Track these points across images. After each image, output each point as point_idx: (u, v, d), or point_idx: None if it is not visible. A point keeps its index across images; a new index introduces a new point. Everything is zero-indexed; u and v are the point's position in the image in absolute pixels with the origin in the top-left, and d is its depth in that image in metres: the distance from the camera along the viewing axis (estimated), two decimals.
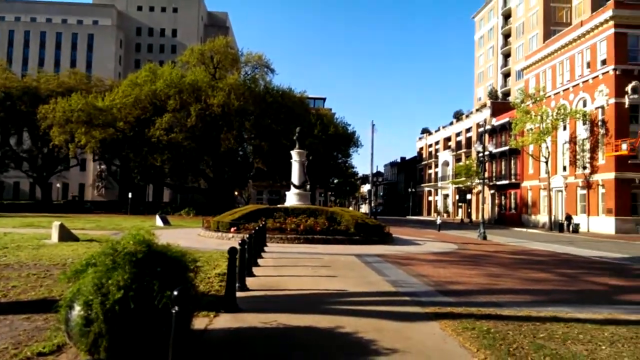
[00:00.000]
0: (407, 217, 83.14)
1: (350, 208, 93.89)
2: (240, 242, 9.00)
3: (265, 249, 16.66)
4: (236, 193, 61.21)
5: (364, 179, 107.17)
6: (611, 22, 38.76)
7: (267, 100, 48.86)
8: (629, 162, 37.33)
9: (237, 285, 8.15)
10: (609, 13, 38.95)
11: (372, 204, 51.97)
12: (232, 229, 21.38)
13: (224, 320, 6.67)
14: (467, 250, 20.53)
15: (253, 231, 13.30)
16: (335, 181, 78.22)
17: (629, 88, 37.87)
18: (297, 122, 40.53)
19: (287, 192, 27.17)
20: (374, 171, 49.72)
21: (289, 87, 53.51)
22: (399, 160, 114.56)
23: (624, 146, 36.26)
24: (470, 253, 19.20)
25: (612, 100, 38.41)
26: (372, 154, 70.84)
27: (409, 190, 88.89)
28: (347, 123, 62.68)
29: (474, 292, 9.96)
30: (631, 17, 38.59)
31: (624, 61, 38.32)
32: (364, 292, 9.51)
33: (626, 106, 38.08)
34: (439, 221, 39.15)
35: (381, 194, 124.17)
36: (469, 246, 22.62)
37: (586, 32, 41.96)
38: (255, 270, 11.31)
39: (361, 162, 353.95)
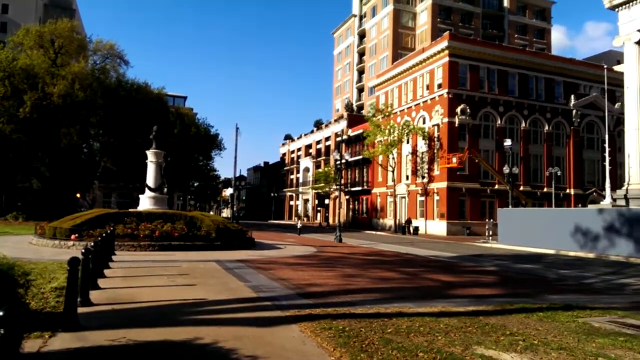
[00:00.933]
0: (270, 221, 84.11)
1: (211, 213, 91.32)
2: (83, 250, 7.99)
3: (114, 258, 15.13)
4: (78, 195, 54.59)
5: (227, 183, 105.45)
6: (446, 52, 44.90)
7: (120, 93, 44.84)
8: (458, 173, 43.55)
9: (78, 300, 7.21)
10: (444, 44, 45.06)
11: (235, 208, 51.29)
12: (73, 236, 18.95)
13: (62, 341, 5.83)
14: (325, 252, 21.55)
15: (99, 238, 11.96)
16: (196, 184, 75.30)
17: (458, 110, 44.24)
18: (153, 120, 37.96)
19: (140, 196, 25.17)
20: (237, 175, 49.21)
21: (145, 82, 50.01)
22: (262, 165, 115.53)
23: (454, 159, 42.17)
24: (327, 255, 20.19)
25: (446, 120, 44.43)
26: (235, 157, 69.73)
27: (272, 194, 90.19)
28: (210, 125, 61.03)
29: (331, 293, 10.47)
30: (462, 49, 45.24)
31: (455, 86, 44.68)
32: (225, 299, 9.27)
33: (456, 125, 44.40)
34: (299, 225, 40.42)
35: (244, 198, 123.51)
36: (327, 249, 23.78)
37: (426, 58, 47.86)
38: (101, 282, 10.17)
39: (224, 166, 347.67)
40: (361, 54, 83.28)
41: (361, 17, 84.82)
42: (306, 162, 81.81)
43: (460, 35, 53.42)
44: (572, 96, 49.23)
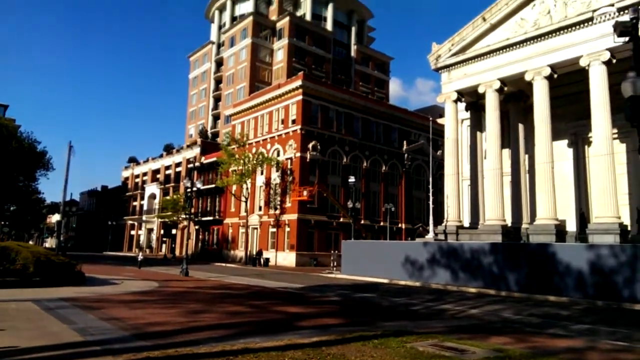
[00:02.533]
0: (106, 253, 75.61)
1: (31, 242, 78.26)
2: None
3: None
4: None
5: (54, 208, 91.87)
6: (300, 90, 47.46)
7: None
8: (308, 206, 45.53)
9: None
10: (298, 82, 47.64)
11: (62, 238, 44.78)
12: None
13: None
14: (168, 287, 20.09)
15: None
16: (12, 209, 63.97)
17: (310, 146, 46.73)
18: None
19: None
20: (68, 199, 43.30)
21: None
22: (99, 189, 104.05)
23: (305, 193, 44.08)
24: (171, 290, 18.86)
25: (298, 154, 46.46)
26: (66, 179, 61.47)
27: (110, 223, 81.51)
28: (36, 140, 52.92)
29: (174, 332, 9.72)
30: (314, 90, 48.34)
31: (308, 123, 47.26)
32: (42, 346, 7.87)
33: (308, 160, 46.72)
34: (140, 257, 37.13)
35: (74, 226, 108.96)
36: (171, 283, 22.24)
37: (282, 94, 49.86)
38: None
39: (52, 188, 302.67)
40: (218, 81, 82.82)
41: (219, 45, 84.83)
42: (153, 188, 76.57)
43: (313, 77, 57.15)
44: (405, 142, 56.22)
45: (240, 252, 51.28)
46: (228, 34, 79.19)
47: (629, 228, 25.23)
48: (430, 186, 35.91)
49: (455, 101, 34.06)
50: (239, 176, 47.02)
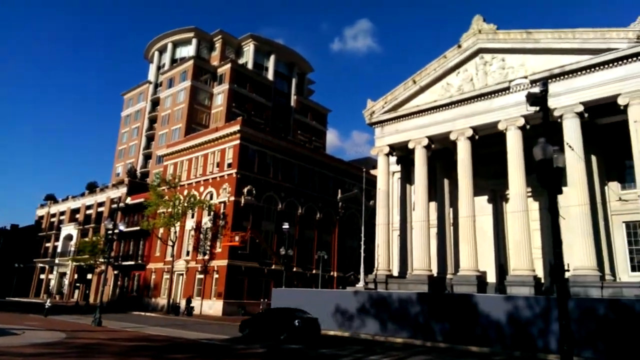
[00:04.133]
0: (9, 298, 67.62)
1: None
2: None
3: None
4: None
5: None
6: (238, 135, 47.37)
7: None
8: (239, 252, 44.23)
9: None
10: (237, 127, 47.63)
11: None
12: None
13: None
14: (77, 339, 18.20)
15: None
16: None
17: (245, 190, 46.16)
18: None
19: None
20: None
21: None
22: (8, 227, 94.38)
23: (237, 238, 42.93)
24: (80, 342, 17.08)
25: (232, 198, 45.61)
26: None
27: (16, 265, 73.71)
28: None
29: None
30: (252, 135, 48.48)
31: (244, 168, 46.89)
32: None
33: (242, 205, 45.92)
34: (48, 304, 33.59)
35: None
36: (81, 334, 20.18)
37: (219, 137, 49.43)
38: None
39: None
40: (152, 120, 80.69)
41: (157, 85, 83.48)
42: (70, 229, 70.89)
43: (252, 122, 57.60)
44: (340, 190, 57.36)
45: (162, 300, 48.11)
46: (167, 75, 78.34)
47: (542, 280, 27.01)
48: (363, 235, 36.52)
49: (387, 155, 35.64)
50: (168, 219, 45.02)
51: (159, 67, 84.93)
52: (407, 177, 36.93)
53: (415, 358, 16.36)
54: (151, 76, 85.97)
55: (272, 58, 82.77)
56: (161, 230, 48.23)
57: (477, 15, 31.69)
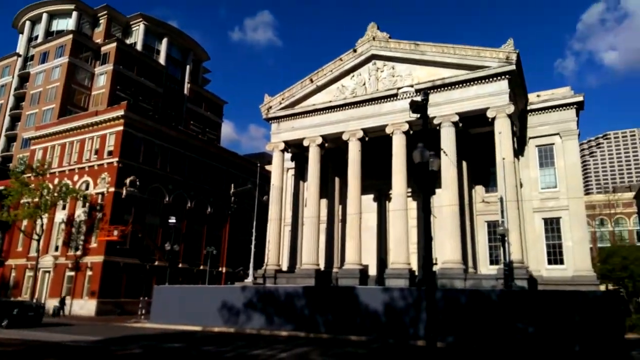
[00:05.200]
0: None
1: None
2: None
3: None
4: None
5: None
6: (122, 121, 43.73)
7: None
8: (118, 247, 40.90)
9: None
10: (121, 112, 43.96)
11: None
12: None
13: None
14: None
15: None
16: None
17: (127, 181, 42.81)
18: None
19: None
20: None
21: None
22: None
23: (116, 232, 39.66)
24: None
25: (112, 189, 42.00)
26: None
27: None
28: None
29: None
30: (139, 122, 45.13)
31: (127, 156, 43.42)
32: None
33: (123, 196, 42.51)
34: None
35: None
36: None
37: (100, 122, 45.17)
38: None
39: None
40: (20, 98, 70.99)
41: (27, 59, 73.64)
42: None
43: (139, 108, 53.72)
44: (233, 185, 56.17)
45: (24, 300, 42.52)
46: (40, 49, 69.35)
47: (416, 273, 29.33)
48: (254, 230, 36.19)
49: (283, 151, 35.79)
50: (33, 209, 39.96)
51: (30, 39, 75.00)
52: (300, 174, 37.48)
53: (297, 350, 16.64)
54: (20, 48, 75.52)
55: (164, 41, 78.03)
56: (25, 222, 42.68)
57: (372, 22, 33.28)
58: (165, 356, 14.93)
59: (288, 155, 37.10)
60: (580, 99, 32.11)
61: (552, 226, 31.39)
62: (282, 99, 36.05)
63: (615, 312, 18.40)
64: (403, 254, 28.31)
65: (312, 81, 34.99)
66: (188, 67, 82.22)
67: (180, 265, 46.49)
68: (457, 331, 19.34)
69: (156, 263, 44.29)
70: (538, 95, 33.76)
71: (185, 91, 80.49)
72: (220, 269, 52.91)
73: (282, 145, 35.53)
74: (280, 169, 35.88)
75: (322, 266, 33.14)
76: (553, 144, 32.53)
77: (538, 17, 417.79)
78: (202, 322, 26.47)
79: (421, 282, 26.33)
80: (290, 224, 36.23)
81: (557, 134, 32.30)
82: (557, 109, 32.57)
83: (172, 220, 37.68)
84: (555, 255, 31.03)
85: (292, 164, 37.93)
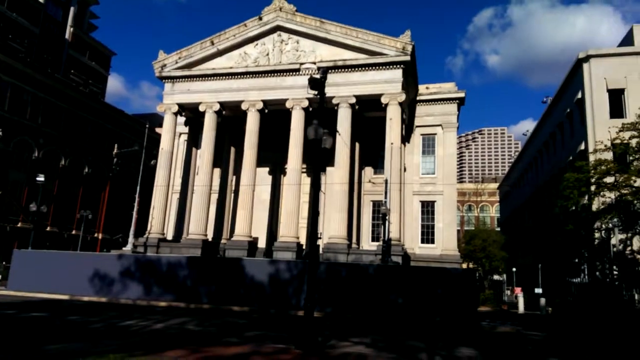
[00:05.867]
0: None
1: None
2: None
3: None
4: None
5: None
6: None
7: None
8: None
9: None
10: None
11: None
12: None
13: None
14: None
15: None
16: None
17: None
18: None
19: None
20: None
21: None
22: None
23: None
24: None
25: None
26: None
27: None
28: None
29: None
30: (5, 63, 39.03)
31: None
32: None
33: None
34: None
35: None
36: None
37: None
38: None
39: None
40: None
41: None
42: None
43: (7, 47, 46.48)
44: (117, 145, 51.84)
45: None
46: None
47: (304, 247, 30.19)
48: (137, 196, 33.93)
49: (176, 114, 33.85)
50: None
51: None
52: (194, 141, 35.91)
53: (174, 320, 16.16)
54: None
55: None
56: None
57: None
58: (25, 325, 13.45)
59: (182, 120, 35.25)
60: (462, 95, 35.23)
61: (428, 209, 34.43)
62: (179, 58, 33.90)
63: (472, 287, 20.87)
64: (293, 227, 28.87)
65: (213, 44, 33.34)
66: (72, 8, 72.80)
67: (48, 229, 42.09)
68: (336, 302, 20.40)
69: (19, 225, 39.53)
70: (427, 88, 36.27)
71: (67, 35, 71.41)
72: (96, 235, 49.09)
73: (176, 108, 33.61)
74: (171, 133, 33.97)
75: (210, 237, 32.49)
76: (435, 134, 35.38)
77: (436, 14, 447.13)
78: (70, 291, 24.33)
79: (308, 255, 27.20)
80: (180, 191, 34.76)
81: (440, 125, 35.17)
82: (442, 102, 35.38)
83: (40, 178, 33.74)
84: (428, 235, 34.17)
85: (186, 129, 36.17)
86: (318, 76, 13.17)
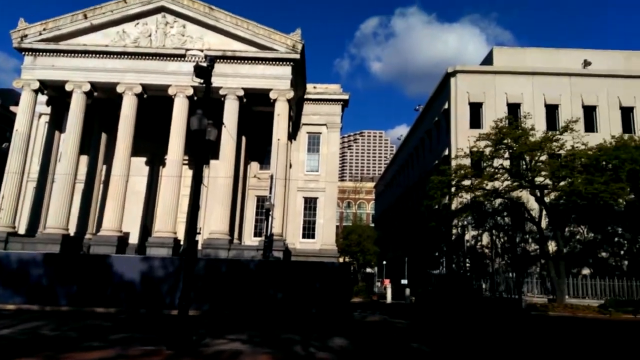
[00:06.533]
0: None
1: None
2: None
3: None
4: None
5: None
6: None
7: None
8: None
9: None
10: None
11: None
12: None
13: None
14: None
15: None
16: None
17: None
18: None
19: None
20: None
21: None
22: None
23: None
24: None
25: None
26: None
27: None
28: None
29: None
30: None
31: None
32: None
33: None
34: None
35: None
36: None
37: None
38: None
39: None
40: None
41: None
42: None
43: None
44: None
45: None
46: None
47: (182, 242, 28.83)
48: None
49: (37, 91, 29.93)
50: None
51: None
52: (57, 123, 32.04)
53: (25, 325, 14.19)
54: None
55: None
56: None
57: None
58: None
59: (43, 99, 31.22)
60: (346, 97, 36.89)
61: (311, 205, 35.41)
62: (44, 30, 29.96)
63: (346, 281, 21.92)
64: (170, 222, 27.41)
65: (86, 17, 30.10)
66: None
67: None
68: (214, 299, 19.81)
69: None
70: (315, 87, 37.26)
71: None
72: None
73: (37, 85, 29.67)
74: (30, 114, 29.89)
75: (72, 232, 29.30)
76: (321, 133, 36.52)
77: (328, 16, 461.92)
78: None
79: (185, 252, 26.01)
80: (37, 180, 30.75)
81: (325, 124, 36.39)
82: (328, 102, 36.65)
83: None
84: (309, 230, 35.13)
85: (48, 110, 32.12)
86: (205, 64, 12.58)
